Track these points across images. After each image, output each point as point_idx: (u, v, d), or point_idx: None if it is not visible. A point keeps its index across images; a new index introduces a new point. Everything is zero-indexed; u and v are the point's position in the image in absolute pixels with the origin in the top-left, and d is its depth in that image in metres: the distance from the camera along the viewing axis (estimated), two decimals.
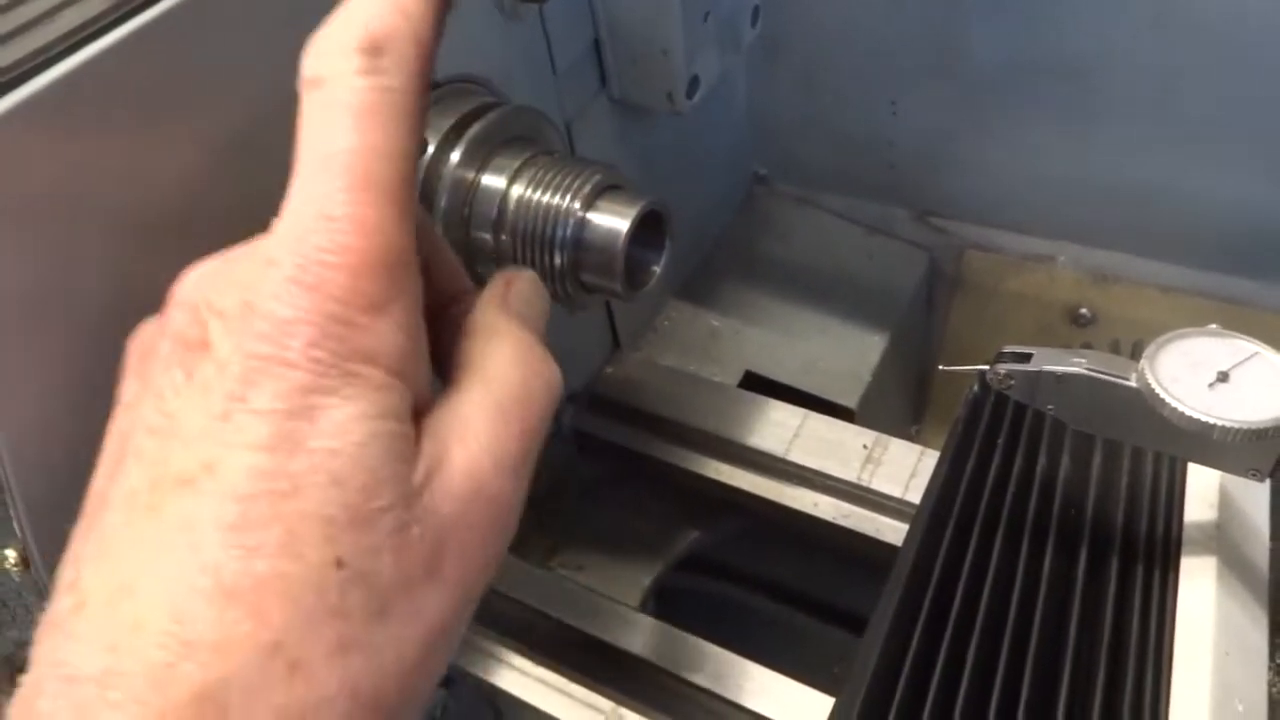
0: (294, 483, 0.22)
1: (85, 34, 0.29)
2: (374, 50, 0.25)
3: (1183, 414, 0.31)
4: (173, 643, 0.21)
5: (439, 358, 0.27)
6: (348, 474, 0.23)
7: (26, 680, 0.22)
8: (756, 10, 0.60)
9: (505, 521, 0.26)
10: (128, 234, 0.31)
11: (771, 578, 0.65)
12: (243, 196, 0.34)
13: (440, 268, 0.30)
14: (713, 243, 0.75)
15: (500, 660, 0.46)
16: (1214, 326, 0.38)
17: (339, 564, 0.22)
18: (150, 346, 0.26)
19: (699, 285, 0.71)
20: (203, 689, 0.21)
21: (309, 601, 0.22)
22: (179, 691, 0.21)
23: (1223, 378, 0.32)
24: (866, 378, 0.67)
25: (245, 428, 0.22)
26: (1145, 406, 0.32)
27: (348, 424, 0.23)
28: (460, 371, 0.27)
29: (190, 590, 0.21)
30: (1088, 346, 0.45)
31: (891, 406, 0.75)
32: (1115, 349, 0.45)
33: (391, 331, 0.24)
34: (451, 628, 0.25)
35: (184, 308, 0.25)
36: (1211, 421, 0.30)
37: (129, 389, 0.27)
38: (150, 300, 0.32)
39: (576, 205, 0.38)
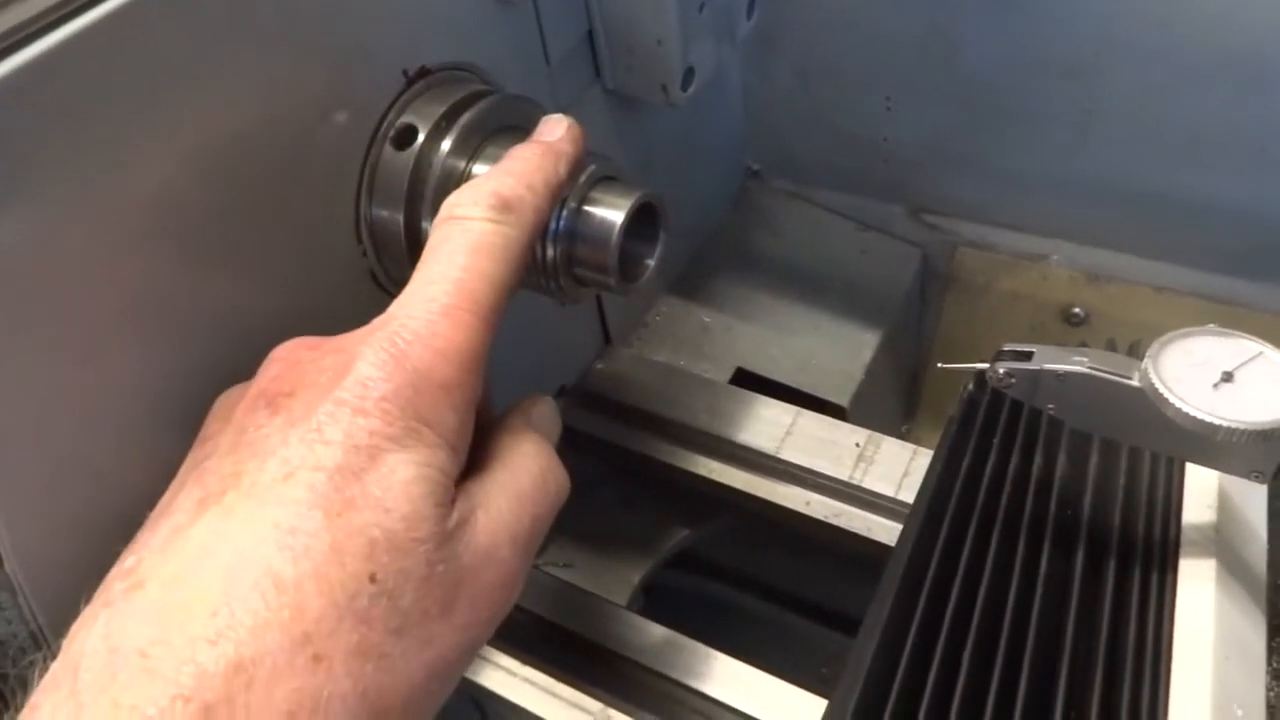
0: (348, 503, 0.26)
1: (22, 35, 0.27)
2: (504, 207, 0.31)
3: (1187, 414, 0.30)
4: (218, 621, 0.24)
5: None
6: (394, 504, 0.26)
7: (64, 658, 0.24)
8: (752, 1, 0.59)
9: (510, 587, 0.29)
10: (84, 238, 0.30)
11: (762, 576, 0.65)
12: (200, 202, 0.33)
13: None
14: (705, 237, 0.74)
15: (486, 660, 0.45)
16: (1213, 326, 0.37)
17: (372, 578, 0.25)
18: (238, 398, 0.30)
19: (691, 280, 0.71)
20: (237, 663, 0.23)
21: (342, 604, 0.25)
22: (214, 664, 0.23)
23: (1227, 378, 0.31)
24: (859, 375, 0.67)
25: (316, 453, 0.26)
26: (1148, 406, 0.32)
27: (402, 465, 0.27)
28: (490, 460, 0.31)
29: (242, 578, 0.24)
30: (1084, 345, 0.45)
31: (883, 404, 0.74)
32: (1112, 349, 0.44)
33: (451, 409, 0.28)
34: (455, 666, 0.28)
35: (277, 364, 0.30)
36: (1216, 422, 0.30)
37: (210, 428, 0.31)
38: (118, 303, 0.31)
39: (570, 196, 0.37)
